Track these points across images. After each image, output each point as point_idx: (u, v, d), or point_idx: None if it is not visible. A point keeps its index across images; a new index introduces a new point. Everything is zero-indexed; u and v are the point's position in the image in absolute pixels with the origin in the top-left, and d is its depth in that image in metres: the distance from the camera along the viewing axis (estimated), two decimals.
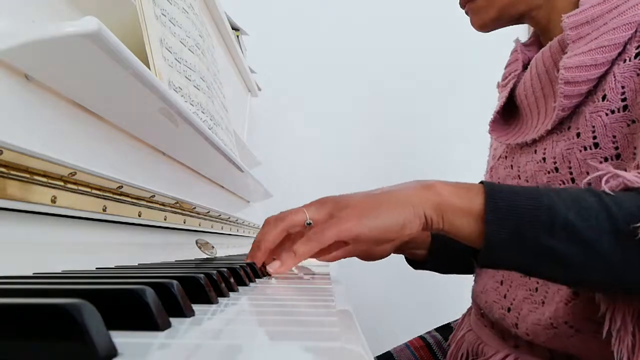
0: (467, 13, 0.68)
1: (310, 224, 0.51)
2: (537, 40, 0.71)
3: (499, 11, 0.64)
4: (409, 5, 1.77)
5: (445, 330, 0.86)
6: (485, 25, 0.66)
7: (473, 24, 0.67)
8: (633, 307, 0.46)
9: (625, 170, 0.48)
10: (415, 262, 0.79)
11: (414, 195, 0.48)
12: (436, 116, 1.77)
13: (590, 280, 0.45)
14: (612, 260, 0.42)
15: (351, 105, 1.76)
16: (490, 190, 0.46)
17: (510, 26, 0.68)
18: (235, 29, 1.25)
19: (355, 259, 0.57)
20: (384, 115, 1.78)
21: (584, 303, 0.52)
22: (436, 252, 0.76)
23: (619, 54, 0.52)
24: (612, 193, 0.44)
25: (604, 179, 0.46)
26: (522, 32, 0.78)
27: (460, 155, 1.72)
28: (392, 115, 1.78)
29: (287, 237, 0.54)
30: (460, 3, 0.68)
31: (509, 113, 0.71)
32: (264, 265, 0.54)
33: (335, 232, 0.48)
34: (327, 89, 1.76)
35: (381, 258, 0.63)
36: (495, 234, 0.44)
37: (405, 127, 1.77)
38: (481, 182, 0.48)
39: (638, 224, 0.41)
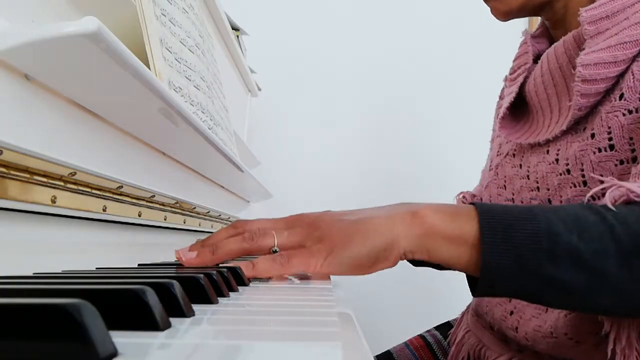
0: (487, 1, 0.65)
1: (276, 251, 0.48)
2: (546, 33, 0.68)
3: None
4: (412, 7, 1.77)
5: (445, 328, 0.86)
6: (510, 12, 0.63)
7: (496, 9, 0.64)
8: (637, 325, 0.44)
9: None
10: (415, 260, 0.77)
11: (394, 224, 0.44)
12: (437, 117, 1.77)
13: (597, 306, 0.42)
14: (619, 284, 0.39)
15: (351, 105, 1.76)
16: (483, 214, 0.42)
17: (506, 24, 0.67)
18: (235, 29, 1.25)
19: None
20: (384, 115, 1.78)
21: (583, 317, 0.50)
22: None
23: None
24: (614, 209, 0.41)
25: (608, 191, 0.43)
26: (519, 31, 0.78)
27: (460, 156, 1.72)
28: (392, 115, 1.78)
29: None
30: None
31: (517, 109, 0.67)
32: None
33: (303, 266, 0.45)
34: (327, 89, 1.76)
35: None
36: (494, 264, 0.40)
37: (406, 127, 1.77)
38: (472, 204, 0.44)
39: None
